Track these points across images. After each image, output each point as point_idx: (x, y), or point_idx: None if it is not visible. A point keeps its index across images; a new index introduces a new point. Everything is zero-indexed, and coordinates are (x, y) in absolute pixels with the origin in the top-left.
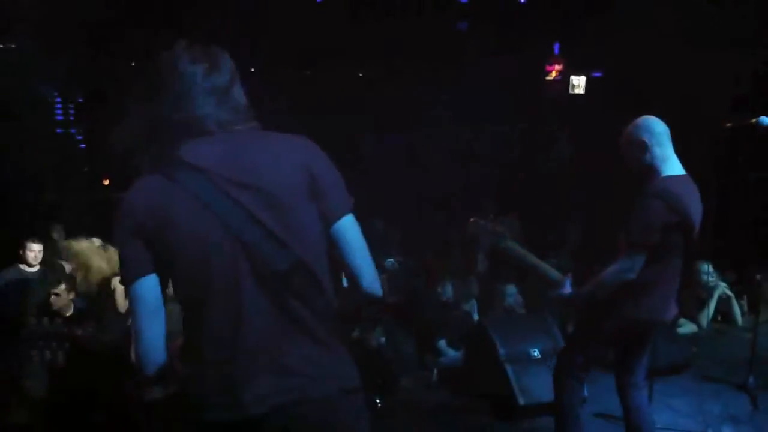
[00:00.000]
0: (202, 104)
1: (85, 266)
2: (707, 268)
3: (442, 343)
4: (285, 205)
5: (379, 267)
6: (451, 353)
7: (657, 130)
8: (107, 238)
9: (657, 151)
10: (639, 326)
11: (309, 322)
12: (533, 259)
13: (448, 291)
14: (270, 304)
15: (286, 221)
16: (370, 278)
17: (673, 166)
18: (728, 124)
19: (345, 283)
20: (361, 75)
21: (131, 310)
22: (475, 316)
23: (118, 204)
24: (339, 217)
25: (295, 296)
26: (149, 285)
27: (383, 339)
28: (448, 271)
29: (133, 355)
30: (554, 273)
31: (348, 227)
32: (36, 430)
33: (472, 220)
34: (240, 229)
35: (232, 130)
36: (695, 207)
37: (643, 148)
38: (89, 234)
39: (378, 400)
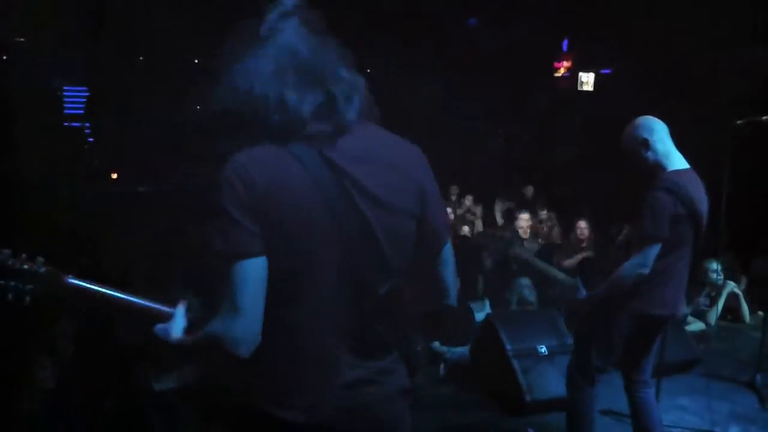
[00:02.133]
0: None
1: None
2: (715, 266)
3: (436, 345)
4: (397, 223)
5: None
6: (456, 351)
7: (656, 128)
8: (117, 231)
9: (659, 147)
10: (650, 321)
11: (385, 338)
12: (542, 264)
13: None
14: (356, 317)
15: (394, 240)
16: (455, 295)
17: (677, 161)
18: (739, 121)
19: None
20: (369, 71)
21: (233, 287)
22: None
23: (228, 167)
24: (445, 244)
25: (380, 315)
26: (261, 266)
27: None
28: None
29: (226, 333)
30: (564, 276)
31: (449, 251)
32: (46, 419)
33: (480, 230)
34: (353, 235)
35: (362, 123)
36: (702, 200)
37: (646, 146)
38: (99, 226)
39: None
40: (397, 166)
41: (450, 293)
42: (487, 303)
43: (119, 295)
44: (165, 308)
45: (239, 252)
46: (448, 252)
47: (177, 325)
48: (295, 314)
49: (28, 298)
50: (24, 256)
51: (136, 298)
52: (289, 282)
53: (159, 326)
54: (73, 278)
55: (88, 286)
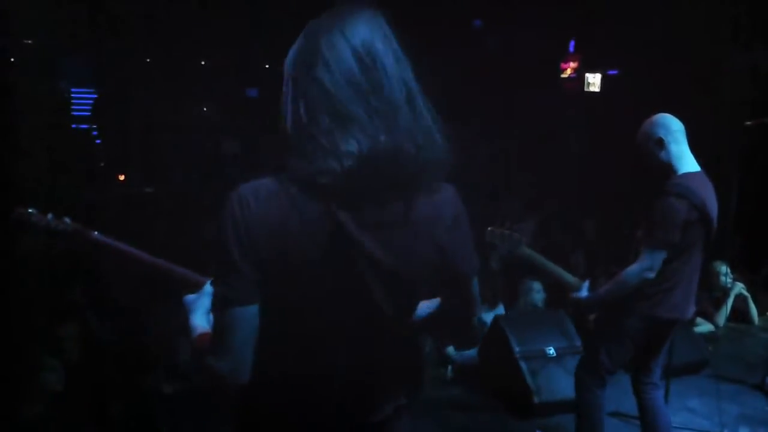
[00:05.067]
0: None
1: None
2: (724, 269)
3: (451, 350)
4: (407, 290)
5: None
6: (464, 353)
7: (673, 128)
8: (123, 234)
9: (673, 148)
10: (661, 325)
11: (388, 385)
12: (550, 264)
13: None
14: (356, 366)
15: (401, 307)
16: (474, 323)
17: (689, 164)
18: (747, 123)
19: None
20: None
21: (221, 328)
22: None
23: (233, 202)
24: (470, 284)
25: (383, 363)
26: (252, 313)
27: None
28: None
29: (215, 368)
30: (571, 277)
31: (475, 288)
32: (51, 422)
33: (489, 229)
34: (354, 305)
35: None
36: (713, 204)
37: (660, 145)
38: (104, 230)
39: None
40: (418, 227)
41: (471, 324)
42: (502, 307)
43: (146, 256)
44: (195, 276)
45: (232, 298)
46: (474, 289)
47: (205, 303)
48: (290, 362)
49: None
50: (50, 215)
51: (164, 261)
52: (284, 333)
53: (189, 297)
54: (99, 234)
55: (115, 243)
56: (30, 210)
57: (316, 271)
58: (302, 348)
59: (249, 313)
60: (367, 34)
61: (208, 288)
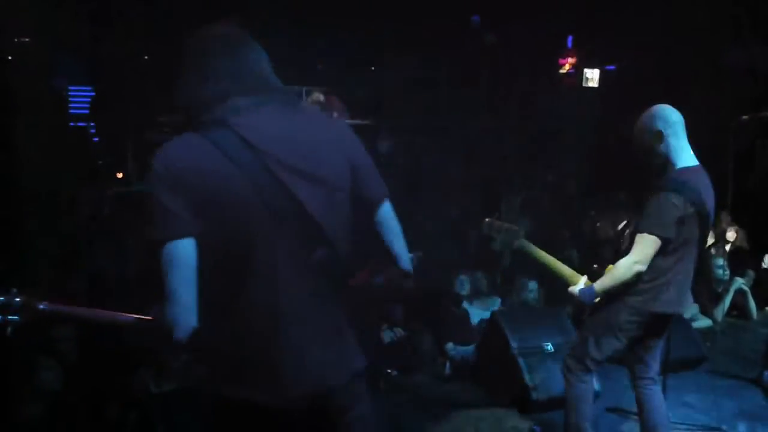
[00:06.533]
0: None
1: None
2: (721, 262)
3: (450, 346)
4: (325, 193)
5: None
6: (461, 349)
7: (672, 119)
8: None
9: (673, 141)
10: (655, 318)
11: (334, 309)
12: (548, 257)
13: (465, 286)
14: (304, 289)
15: (326, 210)
16: (407, 259)
17: (687, 158)
18: (744, 117)
19: None
20: (372, 69)
21: (163, 271)
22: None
23: (157, 155)
24: (381, 203)
25: (326, 285)
26: (189, 247)
27: (392, 335)
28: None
29: (163, 318)
30: (568, 270)
31: (389, 212)
32: (50, 422)
33: (486, 220)
34: (282, 209)
35: (282, 100)
36: (709, 198)
37: (659, 137)
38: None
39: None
40: (320, 141)
41: (399, 256)
42: (498, 301)
43: (99, 313)
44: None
45: (165, 236)
46: (386, 214)
47: None
48: (243, 294)
49: (9, 329)
50: None
51: (119, 313)
52: (231, 263)
53: None
54: (46, 304)
55: (65, 309)
56: None
57: (243, 194)
58: (252, 279)
59: (184, 246)
60: (229, 38)
61: None
